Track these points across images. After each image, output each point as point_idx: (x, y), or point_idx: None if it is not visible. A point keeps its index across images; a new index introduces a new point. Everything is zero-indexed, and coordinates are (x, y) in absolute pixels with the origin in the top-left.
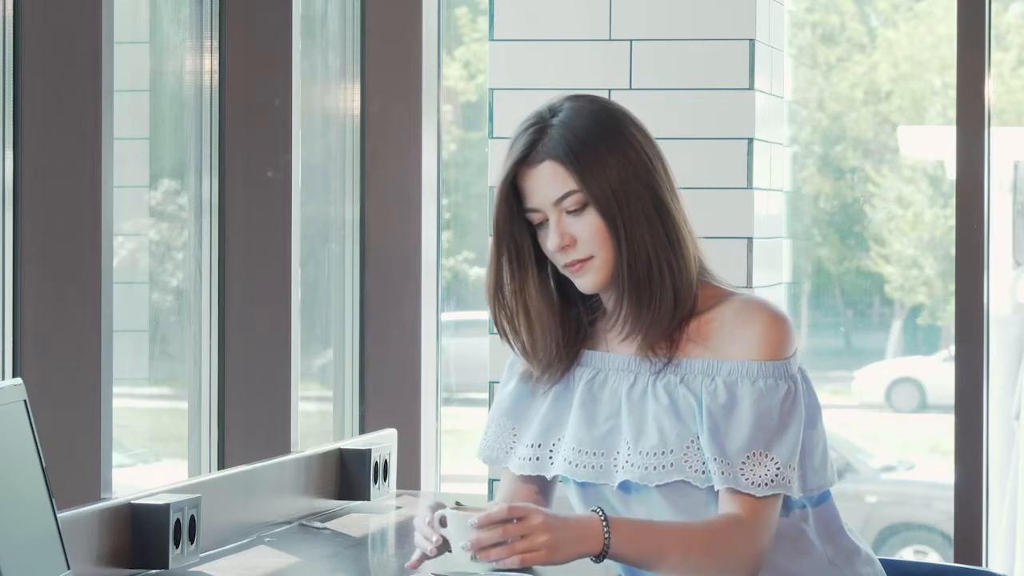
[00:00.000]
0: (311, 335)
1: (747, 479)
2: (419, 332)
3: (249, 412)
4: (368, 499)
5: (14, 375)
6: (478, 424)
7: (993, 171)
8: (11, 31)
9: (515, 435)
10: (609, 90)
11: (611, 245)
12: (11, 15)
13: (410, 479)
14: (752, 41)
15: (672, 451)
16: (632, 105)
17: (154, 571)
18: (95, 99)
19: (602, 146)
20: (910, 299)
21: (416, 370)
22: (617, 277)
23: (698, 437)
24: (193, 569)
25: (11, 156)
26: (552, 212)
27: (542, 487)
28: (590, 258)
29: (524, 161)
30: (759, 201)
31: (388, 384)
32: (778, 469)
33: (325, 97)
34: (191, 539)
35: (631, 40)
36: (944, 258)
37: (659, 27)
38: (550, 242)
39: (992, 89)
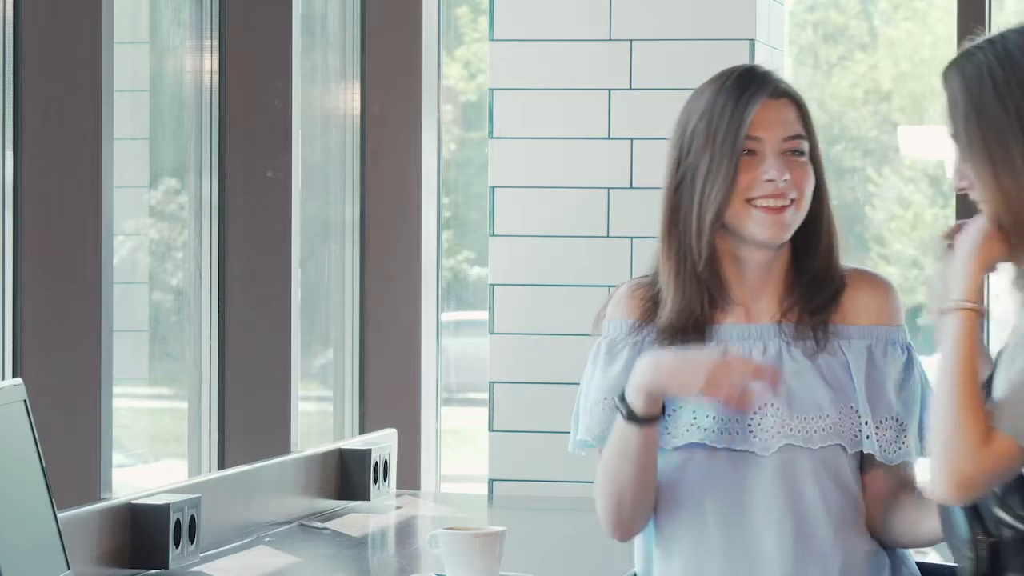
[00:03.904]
0: (311, 335)
1: (880, 445)
2: (419, 332)
3: (249, 412)
4: (368, 499)
5: (14, 375)
6: (478, 424)
7: None
8: (11, 31)
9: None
10: (609, 90)
11: (808, 202)
12: (11, 15)
13: (410, 479)
14: (752, 41)
15: (828, 416)
16: (632, 105)
17: (154, 571)
18: (95, 99)
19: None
20: (910, 299)
21: (416, 370)
22: (798, 236)
23: (848, 402)
24: (193, 569)
25: (11, 156)
26: (775, 147)
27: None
28: (790, 204)
29: (771, 91)
30: None
31: (388, 384)
32: (906, 437)
33: (325, 97)
34: (191, 539)
35: (631, 40)
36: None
37: (659, 27)
38: (772, 171)
39: None
